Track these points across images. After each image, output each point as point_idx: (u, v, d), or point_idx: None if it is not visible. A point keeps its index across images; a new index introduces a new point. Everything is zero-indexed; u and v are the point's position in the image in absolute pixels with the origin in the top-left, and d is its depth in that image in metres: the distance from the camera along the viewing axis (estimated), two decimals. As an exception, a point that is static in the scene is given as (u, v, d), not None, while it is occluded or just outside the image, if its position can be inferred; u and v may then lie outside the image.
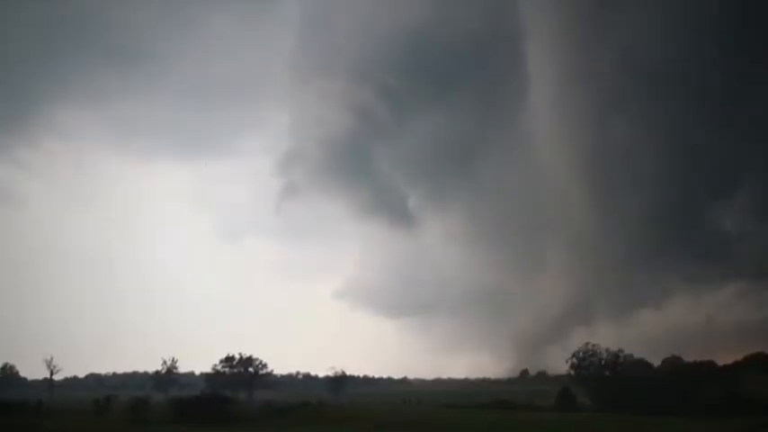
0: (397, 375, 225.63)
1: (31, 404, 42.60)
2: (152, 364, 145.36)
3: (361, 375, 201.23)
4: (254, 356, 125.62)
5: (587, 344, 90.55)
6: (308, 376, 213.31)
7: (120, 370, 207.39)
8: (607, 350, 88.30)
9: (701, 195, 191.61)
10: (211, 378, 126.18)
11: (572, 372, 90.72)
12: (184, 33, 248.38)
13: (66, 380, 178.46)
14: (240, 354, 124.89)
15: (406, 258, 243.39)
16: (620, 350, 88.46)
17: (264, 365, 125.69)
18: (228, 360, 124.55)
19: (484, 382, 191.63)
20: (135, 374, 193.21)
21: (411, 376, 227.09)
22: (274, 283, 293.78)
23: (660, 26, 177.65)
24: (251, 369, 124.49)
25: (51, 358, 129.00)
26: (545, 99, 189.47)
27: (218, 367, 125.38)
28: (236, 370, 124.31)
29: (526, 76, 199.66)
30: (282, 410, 43.86)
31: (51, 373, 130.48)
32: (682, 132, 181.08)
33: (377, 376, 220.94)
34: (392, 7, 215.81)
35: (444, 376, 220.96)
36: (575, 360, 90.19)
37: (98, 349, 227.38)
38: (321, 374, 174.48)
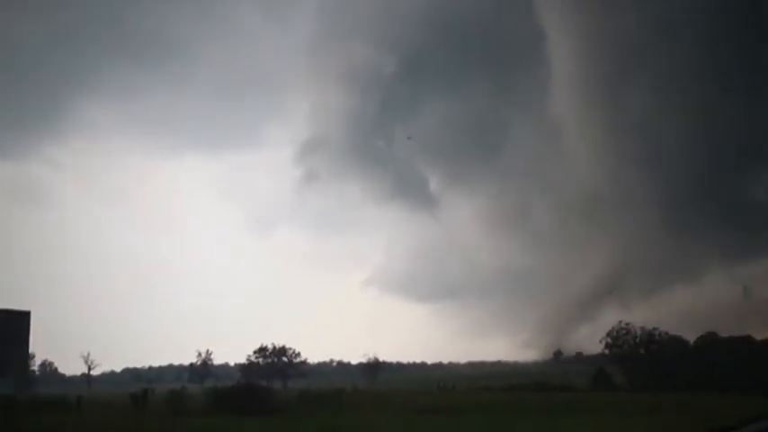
0: (430, 360, 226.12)
1: (71, 400, 43.30)
2: (186, 357, 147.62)
3: (395, 362, 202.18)
4: (288, 346, 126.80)
5: (620, 322, 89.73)
6: (341, 364, 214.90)
7: (156, 363, 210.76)
8: (642, 328, 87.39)
9: (734, 166, 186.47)
10: (246, 368, 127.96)
11: (606, 351, 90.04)
12: (207, 25, 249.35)
13: (104, 375, 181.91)
14: (273, 344, 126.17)
15: (432, 242, 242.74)
16: (655, 328, 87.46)
17: (298, 354, 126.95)
18: (262, 350, 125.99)
19: (518, 365, 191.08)
20: (170, 367, 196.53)
21: (445, 361, 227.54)
22: (304, 273, 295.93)
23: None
24: (285, 359, 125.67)
25: (89, 354, 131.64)
26: (567, 74, 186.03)
27: (252, 358, 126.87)
28: (269, 360, 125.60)
29: (547, 51, 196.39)
30: (321, 397, 44.16)
31: (89, 369, 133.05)
32: (712, 100, 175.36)
33: (410, 361, 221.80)
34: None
35: (477, 359, 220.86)
36: (609, 339, 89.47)
37: (133, 344, 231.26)
38: (354, 362, 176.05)
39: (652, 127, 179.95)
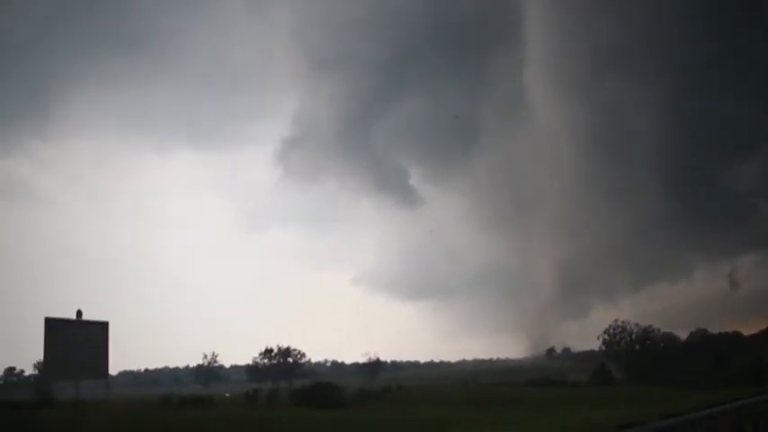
0: (422, 359, 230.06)
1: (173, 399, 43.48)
2: (182, 359, 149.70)
3: (389, 361, 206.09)
4: (292, 347, 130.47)
5: (617, 320, 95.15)
6: (335, 364, 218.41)
7: (152, 366, 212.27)
8: (637, 325, 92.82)
9: (715, 161, 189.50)
10: (252, 370, 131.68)
11: (603, 347, 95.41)
12: (193, 17, 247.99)
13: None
14: (278, 345, 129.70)
15: (419, 240, 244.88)
16: (650, 326, 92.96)
17: (303, 355, 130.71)
18: (268, 352, 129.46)
19: (510, 362, 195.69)
20: (166, 369, 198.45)
21: (436, 359, 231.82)
22: (294, 272, 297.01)
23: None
24: (290, 359, 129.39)
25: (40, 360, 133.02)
26: (544, 69, 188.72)
27: (258, 359, 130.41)
28: (275, 361, 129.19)
29: (524, 44, 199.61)
30: (371, 394, 48.40)
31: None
32: (690, 95, 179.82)
33: (404, 360, 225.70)
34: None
35: (470, 358, 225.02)
36: (606, 336, 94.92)
37: (125, 347, 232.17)
38: (347, 361, 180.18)
39: (634, 122, 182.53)
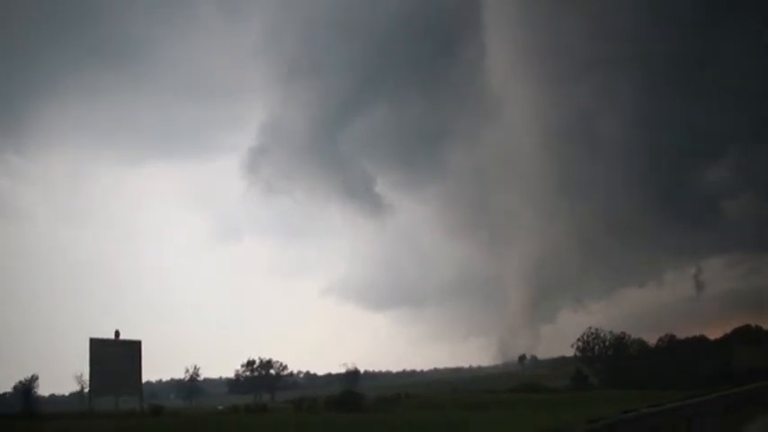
0: (394, 368, 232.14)
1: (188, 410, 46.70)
2: (153, 373, 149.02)
3: (362, 370, 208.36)
4: (274, 359, 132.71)
5: (590, 328, 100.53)
6: (308, 375, 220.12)
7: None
8: (611, 333, 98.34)
9: (682, 165, 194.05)
10: (234, 382, 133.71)
11: (578, 353, 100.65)
12: (168, 28, 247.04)
13: (73, 394, 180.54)
14: (260, 358, 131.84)
15: (389, 249, 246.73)
16: (623, 332, 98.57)
17: (285, 367, 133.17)
18: (250, 364, 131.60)
19: (482, 370, 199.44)
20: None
21: (408, 368, 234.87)
22: (266, 282, 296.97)
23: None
24: (272, 371, 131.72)
25: (81, 374, 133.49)
26: (510, 73, 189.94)
27: (240, 372, 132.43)
28: (256, 373, 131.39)
29: (490, 49, 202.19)
30: (385, 401, 52.02)
31: (83, 389, 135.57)
32: (657, 100, 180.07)
33: (378, 370, 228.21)
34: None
35: (441, 366, 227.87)
36: (580, 343, 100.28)
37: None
38: (320, 372, 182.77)
39: (602, 124, 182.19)
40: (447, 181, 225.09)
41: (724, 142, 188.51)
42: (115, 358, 43.17)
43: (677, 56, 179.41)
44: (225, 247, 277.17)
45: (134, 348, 45.12)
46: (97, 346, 42.63)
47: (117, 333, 44.55)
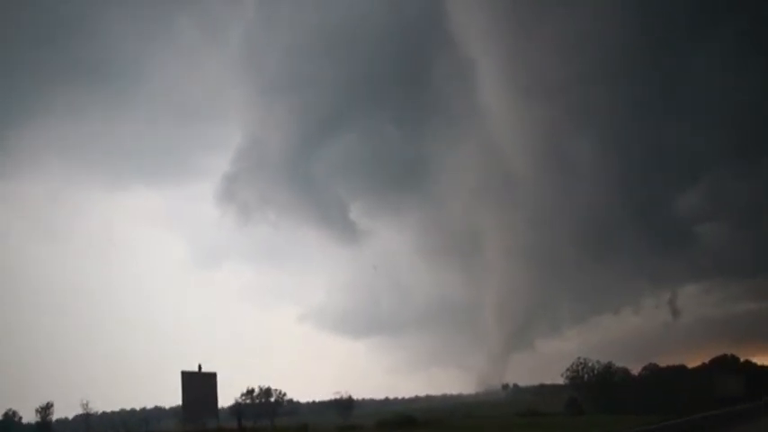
0: (375, 396, 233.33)
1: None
2: (138, 400, 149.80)
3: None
4: (273, 387, 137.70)
5: (579, 358, 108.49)
6: (291, 402, 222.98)
7: (108, 408, 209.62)
8: (598, 362, 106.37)
9: (657, 192, 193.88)
10: (234, 409, 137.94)
11: (568, 382, 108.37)
12: (148, 48, 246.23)
13: (59, 421, 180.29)
14: (260, 386, 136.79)
15: (366, 277, 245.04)
16: (610, 362, 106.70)
17: (284, 395, 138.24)
18: (250, 392, 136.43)
19: (463, 397, 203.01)
20: (122, 412, 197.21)
21: (391, 396, 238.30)
22: (243, 308, 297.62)
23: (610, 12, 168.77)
24: (272, 399, 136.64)
25: (87, 402, 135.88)
26: (489, 97, 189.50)
27: (240, 400, 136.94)
28: (258, 401, 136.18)
29: (470, 72, 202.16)
30: (389, 424, 57.97)
31: (88, 415, 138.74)
32: (634, 123, 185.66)
33: (359, 398, 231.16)
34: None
35: (422, 394, 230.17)
36: (569, 372, 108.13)
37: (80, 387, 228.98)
38: (302, 400, 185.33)
39: (578, 150, 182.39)
40: (423, 208, 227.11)
41: (697, 168, 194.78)
42: (200, 388, 49.81)
43: (653, 82, 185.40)
44: (205, 272, 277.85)
45: (212, 379, 51.71)
46: (188, 378, 49.20)
47: (200, 366, 51.12)
